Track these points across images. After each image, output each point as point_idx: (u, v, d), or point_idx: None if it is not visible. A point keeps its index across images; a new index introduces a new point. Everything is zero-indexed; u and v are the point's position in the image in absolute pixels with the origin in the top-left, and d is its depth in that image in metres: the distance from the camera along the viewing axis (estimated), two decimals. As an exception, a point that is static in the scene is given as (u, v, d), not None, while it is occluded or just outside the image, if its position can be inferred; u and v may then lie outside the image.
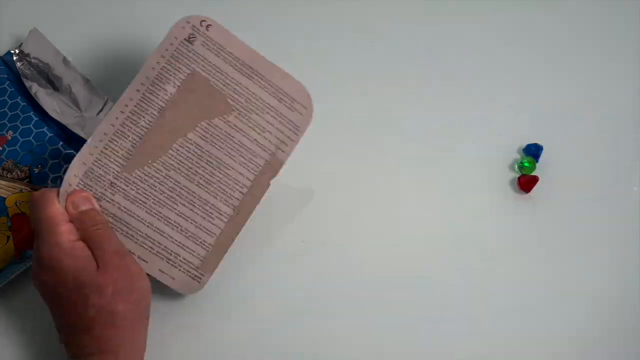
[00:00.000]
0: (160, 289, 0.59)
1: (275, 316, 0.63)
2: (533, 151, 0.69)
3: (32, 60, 0.70)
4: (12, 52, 0.71)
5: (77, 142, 0.67)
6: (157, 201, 0.59)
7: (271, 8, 0.74)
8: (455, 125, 0.70)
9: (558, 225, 0.68)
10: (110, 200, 0.59)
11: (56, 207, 0.57)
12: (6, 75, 0.69)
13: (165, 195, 0.59)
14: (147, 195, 0.59)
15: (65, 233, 0.56)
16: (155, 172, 0.59)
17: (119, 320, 0.55)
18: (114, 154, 0.59)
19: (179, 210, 0.59)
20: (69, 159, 0.65)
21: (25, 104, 0.68)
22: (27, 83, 0.69)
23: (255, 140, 0.61)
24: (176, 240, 0.60)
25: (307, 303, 0.64)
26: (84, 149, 0.59)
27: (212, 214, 0.60)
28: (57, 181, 0.65)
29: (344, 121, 0.69)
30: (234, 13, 0.74)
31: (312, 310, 0.64)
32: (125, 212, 0.59)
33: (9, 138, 0.66)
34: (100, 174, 0.59)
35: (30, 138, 0.66)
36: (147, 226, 0.59)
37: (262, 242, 0.65)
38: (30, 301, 0.66)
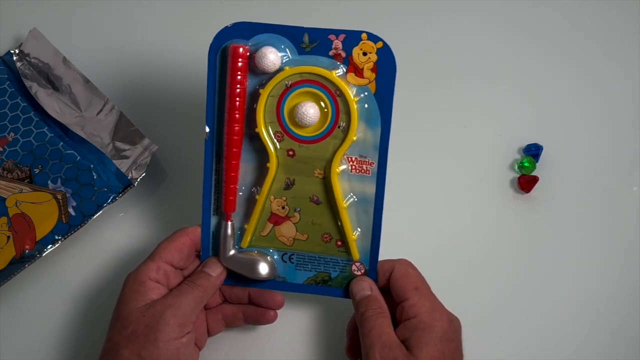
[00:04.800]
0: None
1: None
2: (533, 151, 0.69)
3: (32, 60, 0.70)
4: (12, 52, 0.71)
5: (77, 143, 0.67)
6: None
7: (272, 9, 0.74)
8: (455, 126, 0.70)
9: (558, 225, 0.68)
10: None
11: None
12: (6, 76, 0.69)
13: None
14: None
15: None
16: None
17: None
18: None
19: None
20: (69, 159, 0.65)
21: (25, 104, 0.68)
22: (27, 83, 0.69)
23: None
24: None
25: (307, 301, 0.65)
26: None
27: None
28: (57, 181, 0.65)
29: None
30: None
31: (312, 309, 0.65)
32: None
33: (10, 139, 0.66)
34: None
35: (31, 139, 0.66)
36: None
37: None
38: (30, 301, 0.66)
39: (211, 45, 0.56)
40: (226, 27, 0.56)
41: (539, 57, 0.73)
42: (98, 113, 0.68)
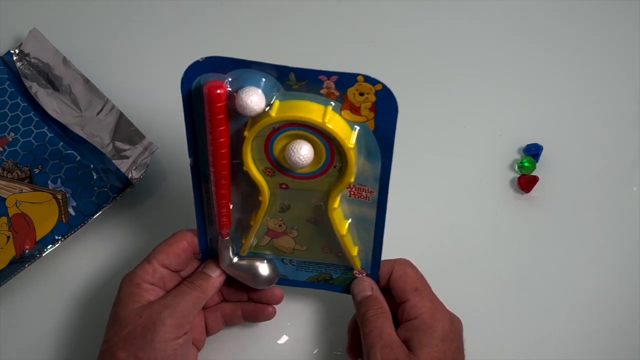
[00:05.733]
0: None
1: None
2: (533, 151, 0.69)
3: (32, 60, 0.70)
4: (12, 52, 0.71)
5: (77, 143, 0.67)
6: None
7: (272, 10, 0.74)
8: (455, 126, 0.70)
9: (558, 225, 0.68)
10: None
11: None
12: (6, 76, 0.69)
13: None
14: None
15: None
16: None
17: None
18: None
19: None
20: (69, 159, 0.65)
21: (25, 104, 0.68)
22: (27, 83, 0.69)
23: None
24: None
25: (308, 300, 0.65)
26: None
27: None
28: (57, 181, 0.65)
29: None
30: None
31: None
32: None
33: (10, 139, 0.66)
34: None
35: (31, 139, 0.66)
36: None
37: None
38: (30, 301, 0.66)
39: (182, 80, 0.49)
40: (197, 62, 0.48)
41: (539, 57, 0.73)
42: (98, 113, 0.68)
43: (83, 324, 0.65)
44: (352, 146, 0.48)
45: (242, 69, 0.47)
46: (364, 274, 0.58)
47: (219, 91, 0.47)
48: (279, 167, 0.51)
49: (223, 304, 0.61)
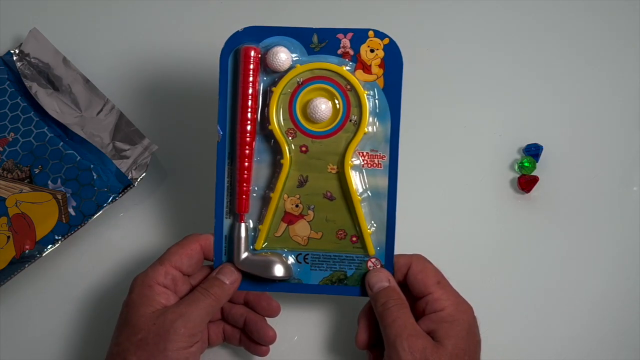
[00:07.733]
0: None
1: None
2: (533, 151, 0.69)
3: (32, 60, 0.70)
4: (12, 52, 0.71)
5: (77, 143, 0.67)
6: None
7: (272, 10, 0.74)
8: (455, 126, 0.70)
9: (558, 225, 0.68)
10: None
11: None
12: (6, 76, 0.69)
13: None
14: None
15: None
16: None
17: None
18: None
19: None
20: (69, 159, 0.65)
21: (25, 104, 0.68)
22: (27, 83, 0.69)
23: None
24: None
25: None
26: None
27: None
28: (57, 181, 0.65)
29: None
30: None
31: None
32: None
33: (10, 140, 0.66)
34: None
35: (31, 139, 0.66)
36: None
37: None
38: (30, 301, 0.66)
39: (222, 50, 0.57)
40: (237, 32, 0.57)
41: (539, 57, 0.73)
42: (98, 113, 0.68)
43: (83, 324, 0.65)
44: (365, 92, 0.57)
45: (272, 37, 0.57)
46: (379, 266, 0.58)
47: (252, 51, 0.56)
48: (300, 126, 0.57)
49: (224, 323, 0.61)
